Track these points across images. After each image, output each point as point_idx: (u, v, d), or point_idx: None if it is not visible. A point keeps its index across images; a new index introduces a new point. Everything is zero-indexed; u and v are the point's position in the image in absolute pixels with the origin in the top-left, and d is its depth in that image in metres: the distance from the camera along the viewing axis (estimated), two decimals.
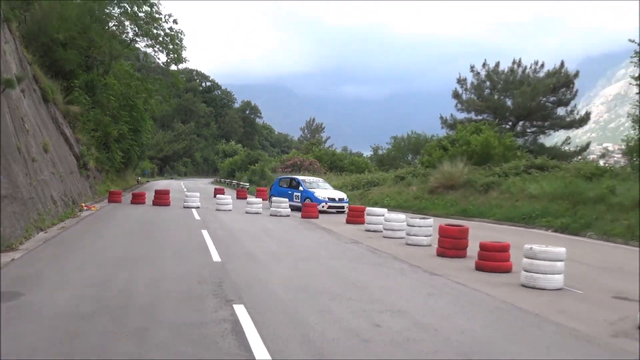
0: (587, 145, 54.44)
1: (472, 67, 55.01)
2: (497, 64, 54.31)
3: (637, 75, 29.19)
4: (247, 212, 27.76)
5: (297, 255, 15.10)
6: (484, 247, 12.99)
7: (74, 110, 33.08)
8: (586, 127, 57.46)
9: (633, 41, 28.57)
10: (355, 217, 23.98)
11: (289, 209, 27.67)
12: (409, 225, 17.91)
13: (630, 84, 32.06)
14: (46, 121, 25.82)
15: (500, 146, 39.18)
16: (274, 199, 29.29)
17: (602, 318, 8.81)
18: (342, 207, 28.66)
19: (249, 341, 6.84)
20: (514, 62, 53.80)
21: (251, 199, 30.60)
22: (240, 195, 42.39)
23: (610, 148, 45.92)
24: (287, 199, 28.45)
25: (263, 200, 32.12)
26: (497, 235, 18.79)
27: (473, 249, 13.97)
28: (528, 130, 52.79)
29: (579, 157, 46.83)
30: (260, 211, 28.00)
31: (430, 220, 18.09)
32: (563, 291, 10.81)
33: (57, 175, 23.43)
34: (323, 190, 30.11)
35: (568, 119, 52.21)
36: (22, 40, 27.23)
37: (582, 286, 11.25)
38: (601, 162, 36.33)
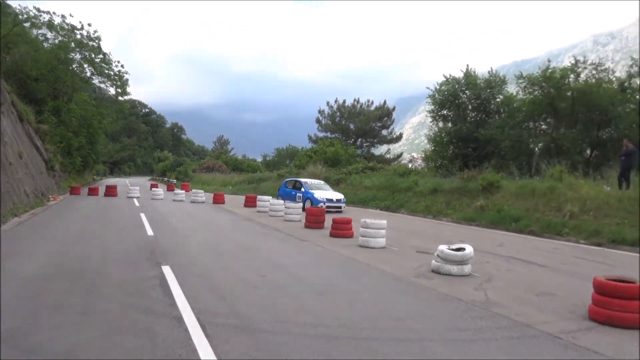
0: (401, 154, 57.09)
1: (327, 102, 56.23)
2: (344, 101, 55.81)
3: (429, 110, 30.90)
4: (174, 200, 26.64)
5: (209, 229, 14.66)
6: (335, 221, 13.22)
7: (43, 128, 30.41)
8: (400, 143, 60.03)
9: (428, 88, 30.25)
10: (250, 202, 23.68)
11: (204, 197, 26.81)
12: (286, 207, 17.91)
13: (426, 115, 33.96)
14: (22, 135, 23.47)
15: (346, 154, 40.20)
16: (286, 202, 20.91)
17: (409, 265, 9.18)
18: (340, 207, 21.41)
19: (172, 291, 6.52)
20: (354, 100, 55.55)
21: (178, 191, 29.47)
22: (170, 189, 40.56)
23: (415, 156, 48.41)
24: (287, 200, 21.46)
25: (186, 192, 30.97)
26: (344, 213, 19.20)
27: (329, 223, 14.17)
28: (364, 144, 54.52)
29: (396, 162, 48.96)
30: (184, 199, 26.98)
31: (300, 204, 18.19)
32: (385, 249, 11.17)
33: (29, 175, 21.34)
34: (322, 191, 22.42)
35: (389, 137, 54.64)
36: (3, 75, 24.77)
37: (397, 245, 11.69)
38: (409, 165, 38.20)
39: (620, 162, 16.69)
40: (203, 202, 25.91)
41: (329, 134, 54.36)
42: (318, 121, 56.06)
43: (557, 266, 9.71)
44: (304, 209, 20.10)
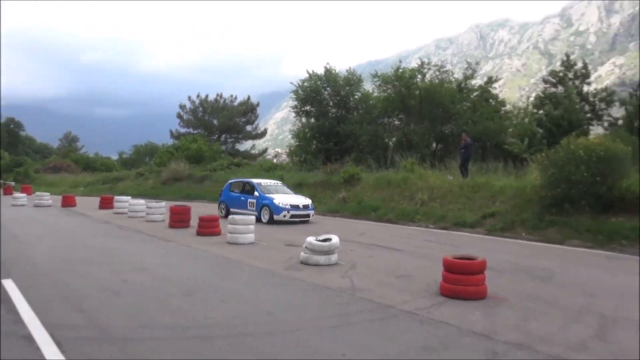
0: (266, 150, 57.55)
1: (189, 97, 54.25)
2: (207, 96, 54.38)
3: (292, 105, 31.67)
4: (13, 205, 23.50)
5: (58, 235, 13.27)
6: (201, 219, 12.89)
7: None
8: (265, 138, 60.39)
9: (292, 83, 30.91)
10: (106, 203, 21.86)
11: (51, 200, 24.17)
12: (147, 207, 17.00)
13: (290, 111, 34.73)
14: None
15: (210, 151, 39.38)
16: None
17: (279, 258, 9.30)
18: (308, 216, 16.35)
19: (17, 307, 5.74)
20: (217, 95, 54.46)
21: (17, 194, 26.23)
22: (7, 192, 35.71)
23: (280, 151, 49.28)
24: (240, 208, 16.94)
25: (28, 195, 27.60)
26: (211, 210, 18.79)
27: (195, 221, 13.72)
28: (229, 140, 53.79)
29: (261, 157, 49.20)
30: (25, 203, 23.95)
31: (163, 203, 17.41)
32: (254, 244, 11.15)
33: None
34: (283, 195, 16.92)
35: (253, 133, 54.61)
36: None
37: (266, 240, 11.74)
38: (274, 160, 38.74)
39: (460, 154, 18.79)
40: (50, 206, 23.33)
41: (191, 130, 52.61)
42: (179, 116, 53.88)
43: (412, 250, 10.64)
44: (260, 219, 15.61)
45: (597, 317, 5.60)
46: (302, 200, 16.88)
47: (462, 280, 6.30)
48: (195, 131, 52.18)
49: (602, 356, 4.41)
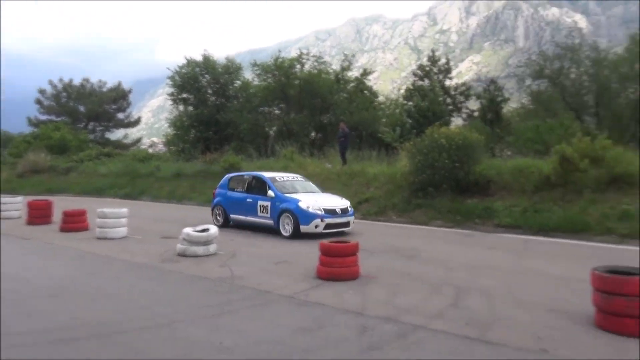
0: (140, 139, 54.42)
1: (50, 81, 49.33)
2: (71, 80, 49.87)
3: (169, 93, 30.41)
4: None
5: None
6: (66, 214, 11.87)
7: None
8: (139, 127, 57.20)
9: (169, 69, 29.62)
10: None
11: None
12: (2, 203, 15.18)
13: (166, 99, 33.28)
14: None
15: (76, 140, 36.28)
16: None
17: (154, 251, 8.95)
18: (347, 224, 11.11)
19: None
20: (84, 80, 50.26)
21: None
22: None
23: (156, 141, 47.02)
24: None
25: None
26: (77, 204, 17.33)
27: (59, 217, 12.58)
28: (97, 129, 49.97)
29: (135, 147, 46.53)
30: None
31: (19, 198, 15.69)
32: (127, 238, 10.58)
33: None
34: (310, 195, 11.57)
35: (126, 121, 51.42)
36: None
37: (141, 233, 11.19)
38: (150, 150, 36.88)
39: (338, 143, 19.51)
40: None
41: (54, 117, 47.87)
42: (39, 102, 48.72)
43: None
44: (278, 230, 11.07)
45: (453, 288, 6.26)
46: (338, 201, 11.59)
47: (337, 263, 6.62)
48: (59, 118, 47.68)
49: (456, 321, 4.95)
